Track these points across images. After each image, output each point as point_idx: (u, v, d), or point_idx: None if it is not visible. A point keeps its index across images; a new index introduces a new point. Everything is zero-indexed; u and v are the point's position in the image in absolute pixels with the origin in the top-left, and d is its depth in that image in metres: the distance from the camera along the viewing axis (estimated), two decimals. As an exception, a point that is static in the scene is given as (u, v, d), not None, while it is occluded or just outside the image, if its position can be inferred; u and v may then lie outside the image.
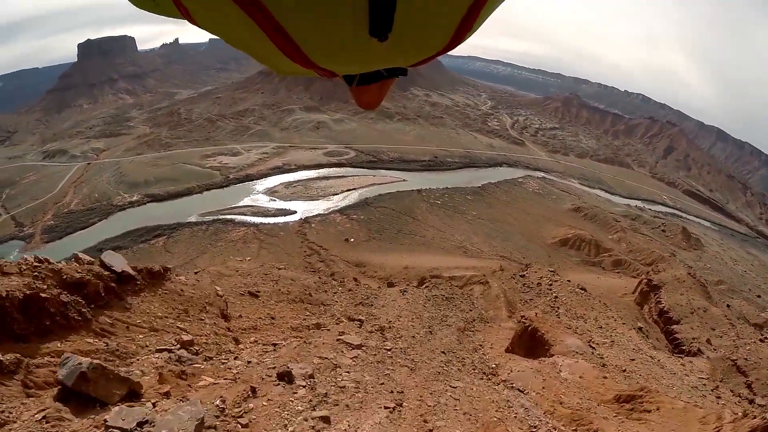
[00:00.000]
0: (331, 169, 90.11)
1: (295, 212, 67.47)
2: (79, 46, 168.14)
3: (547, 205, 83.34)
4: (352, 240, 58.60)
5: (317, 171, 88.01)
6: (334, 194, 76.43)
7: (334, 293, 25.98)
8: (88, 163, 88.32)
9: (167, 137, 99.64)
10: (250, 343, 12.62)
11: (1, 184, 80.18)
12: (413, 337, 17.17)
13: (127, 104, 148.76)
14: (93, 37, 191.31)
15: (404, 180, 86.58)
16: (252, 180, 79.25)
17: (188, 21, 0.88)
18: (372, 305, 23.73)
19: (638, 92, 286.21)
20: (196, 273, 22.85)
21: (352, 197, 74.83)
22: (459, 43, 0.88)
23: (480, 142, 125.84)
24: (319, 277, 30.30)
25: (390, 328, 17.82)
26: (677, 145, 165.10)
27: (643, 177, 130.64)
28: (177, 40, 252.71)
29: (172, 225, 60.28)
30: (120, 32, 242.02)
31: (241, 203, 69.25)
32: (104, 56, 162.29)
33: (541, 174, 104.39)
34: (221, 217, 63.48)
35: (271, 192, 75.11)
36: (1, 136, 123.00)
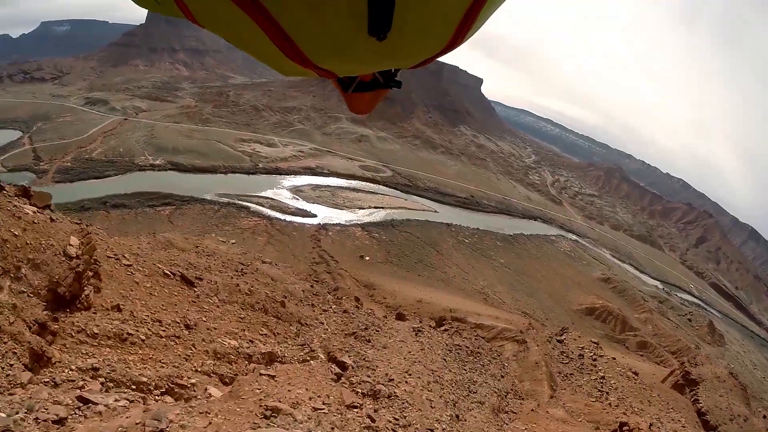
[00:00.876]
0: (364, 182, 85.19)
1: (315, 216, 62.19)
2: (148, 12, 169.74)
3: (577, 269, 77.05)
4: (368, 258, 52.42)
5: (349, 181, 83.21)
6: (360, 208, 71.05)
7: (324, 311, 19.57)
8: (125, 119, 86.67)
9: (209, 113, 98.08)
10: (63, 376, 6.42)
11: (36, 118, 79.25)
12: (428, 420, 10.56)
13: (182, 76, 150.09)
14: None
15: (436, 211, 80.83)
16: (280, 174, 74.98)
17: (190, 20, 0.87)
18: (369, 341, 17.24)
19: (680, 177, 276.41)
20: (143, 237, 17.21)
21: (378, 215, 69.31)
22: (458, 44, 0.86)
23: (518, 192, 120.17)
24: (312, 286, 24.06)
25: (391, 392, 11.31)
26: (710, 236, 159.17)
27: (672, 261, 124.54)
28: None
29: (185, 197, 56.11)
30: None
31: (262, 193, 64.59)
32: (171, 25, 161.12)
33: (574, 237, 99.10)
34: (237, 201, 58.87)
35: (296, 190, 70.32)
36: (54, 74, 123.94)
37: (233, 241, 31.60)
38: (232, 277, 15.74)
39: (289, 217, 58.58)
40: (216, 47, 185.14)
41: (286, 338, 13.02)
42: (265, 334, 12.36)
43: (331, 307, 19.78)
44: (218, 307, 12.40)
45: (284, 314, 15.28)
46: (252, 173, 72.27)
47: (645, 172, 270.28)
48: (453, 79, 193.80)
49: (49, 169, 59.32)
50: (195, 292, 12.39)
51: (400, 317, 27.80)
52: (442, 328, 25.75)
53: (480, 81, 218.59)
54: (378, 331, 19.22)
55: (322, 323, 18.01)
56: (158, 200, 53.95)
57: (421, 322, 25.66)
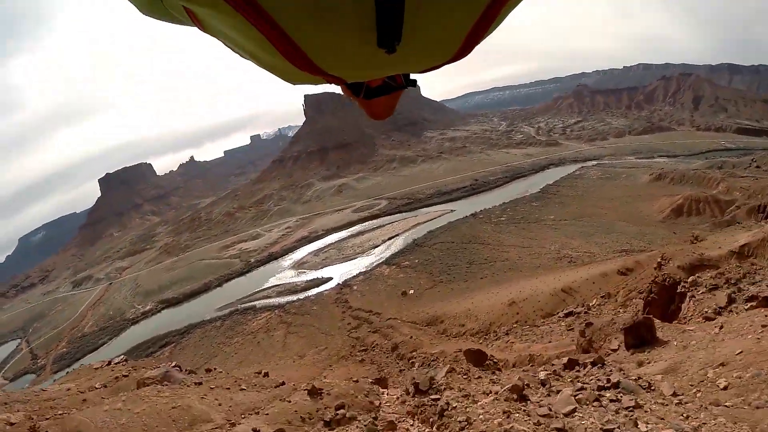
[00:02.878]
0: (365, 223, 75.16)
1: (330, 279, 51.01)
2: (100, 180, 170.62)
3: (624, 185, 66.65)
4: (412, 291, 40.55)
5: (349, 230, 72.99)
6: (374, 247, 60.33)
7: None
8: (110, 283, 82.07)
9: (186, 240, 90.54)
10: None
11: (31, 320, 77.10)
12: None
13: (154, 223, 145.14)
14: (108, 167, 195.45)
15: (452, 210, 70.39)
16: (276, 258, 64.94)
17: (198, 28, 0.85)
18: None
19: (636, 63, 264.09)
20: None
21: (398, 244, 58.63)
22: (466, 54, 0.83)
23: (514, 155, 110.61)
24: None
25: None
26: (701, 92, 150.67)
27: (689, 133, 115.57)
28: (192, 157, 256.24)
29: (182, 329, 47.31)
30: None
31: (264, 286, 54.09)
32: (126, 185, 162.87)
33: (594, 162, 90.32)
34: (240, 306, 48.43)
35: (298, 265, 59.66)
36: (41, 276, 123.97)
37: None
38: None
39: (302, 294, 47.45)
40: (174, 185, 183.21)
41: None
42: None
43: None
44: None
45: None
46: (246, 272, 62.56)
47: (605, 78, 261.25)
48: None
49: (46, 362, 54.44)
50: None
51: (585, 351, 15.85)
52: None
53: (417, 87, 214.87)
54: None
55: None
56: (155, 345, 45.90)
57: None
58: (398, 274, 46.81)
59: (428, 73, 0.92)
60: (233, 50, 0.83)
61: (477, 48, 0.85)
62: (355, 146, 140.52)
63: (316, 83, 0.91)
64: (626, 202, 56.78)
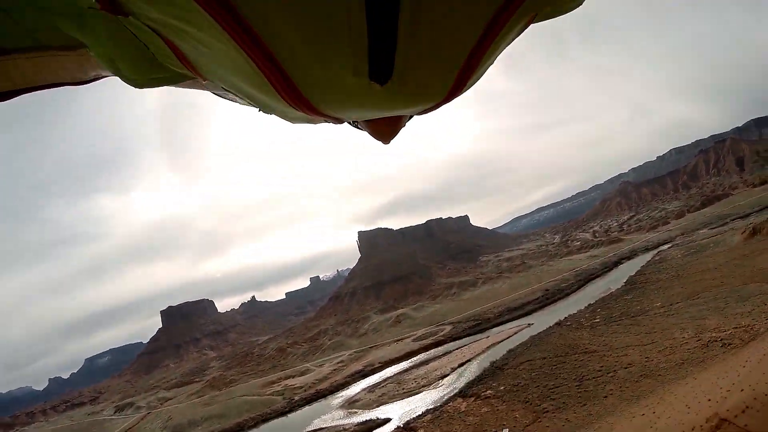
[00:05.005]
0: (429, 351, 63.65)
1: (387, 420, 37.95)
2: (162, 312, 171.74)
3: (719, 252, 55.30)
4: (506, 430, 26.89)
5: (410, 360, 61.06)
6: (442, 377, 47.91)
7: None
8: (148, 413, 76.49)
9: (233, 375, 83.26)
10: None
11: None
12: None
13: (210, 357, 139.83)
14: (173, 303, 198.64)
15: (529, 324, 57.88)
16: (324, 396, 53.19)
17: (194, 74, 0.81)
18: None
19: (668, 150, 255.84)
20: None
21: (471, 370, 46.29)
22: (461, 91, 0.79)
23: (579, 260, 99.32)
24: None
25: None
26: (741, 153, 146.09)
27: (747, 193, 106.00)
28: (254, 297, 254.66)
29: None
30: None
31: (306, 430, 40.82)
32: (186, 319, 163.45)
33: (667, 245, 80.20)
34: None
35: (349, 403, 47.10)
36: (92, 396, 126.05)
37: None
38: None
39: (353, 442, 34.08)
40: (233, 322, 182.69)
41: None
42: None
43: None
44: None
45: None
46: (288, 412, 51.69)
47: (643, 172, 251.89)
48: (445, 230, 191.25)
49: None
50: None
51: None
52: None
53: (466, 218, 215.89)
54: None
55: None
56: None
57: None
58: (481, 408, 33.35)
59: (427, 114, 0.87)
60: (233, 92, 0.79)
61: (473, 88, 0.81)
62: (410, 278, 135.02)
63: (314, 123, 0.89)
64: (736, 265, 45.39)
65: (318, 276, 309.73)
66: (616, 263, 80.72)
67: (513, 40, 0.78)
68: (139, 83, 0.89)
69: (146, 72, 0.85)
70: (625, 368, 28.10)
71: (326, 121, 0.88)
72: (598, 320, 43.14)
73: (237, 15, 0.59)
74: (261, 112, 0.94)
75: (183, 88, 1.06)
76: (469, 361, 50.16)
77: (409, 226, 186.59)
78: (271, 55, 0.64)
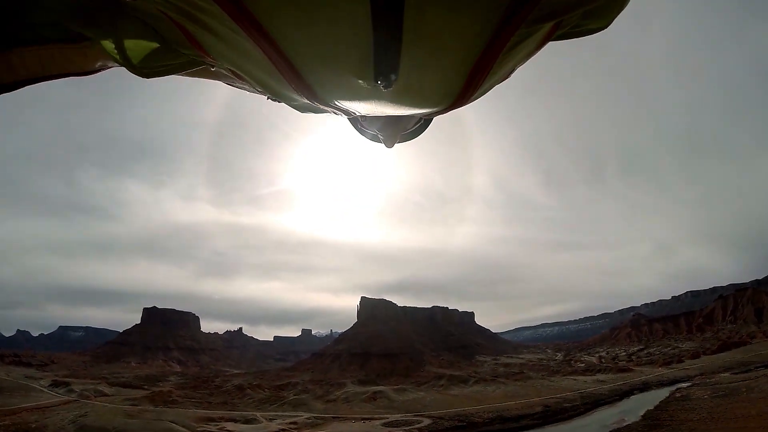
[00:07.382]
0: None
1: None
2: (144, 309, 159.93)
3: (757, 398, 50.09)
4: None
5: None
6: None
7: None
8: (75, 400, 71.51)
9: (178, 396, 76.49)
10: None
11: None
12: None
13: (172, 371, 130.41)
14: (160, 306, 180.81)
15: None
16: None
17: (204, 56, 0.81)
18: None
19: (684, 291, 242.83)
20: None
21: None
22: (471, 96, 0.77)
23: (584, 382, 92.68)
24: None
25: None
26: (761, 304, 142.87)
27: (766, 344, 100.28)
28: (241, 329, 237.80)
29: None
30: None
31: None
32: (166, 325, 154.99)
33: (686, 384, 74.08)
34: None
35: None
36: (41, 363, 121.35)
37: None
38: None
39: None
40: (211, 345, 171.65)
41: None
42: None
43: None
44: None
45: None
46: None
47: (656, 309, 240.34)
48: (448, 320, 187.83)
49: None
50: None
51: None
52: None
53: (472, 314, 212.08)
54: None
55: None
56: None
57: None
58: None
59: (439, 115, 0.86)
60: (241, 84, 0.79)
61: (483, 97, 0.79)
62: (400, 357, 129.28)
63: (320, 112, 0.89)
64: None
65: (310, 330, 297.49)
66: (627, 393, 76.61)
67: (529, 53, 0.76)
68: (146, 72, 0.88)
69: (154, 59, 0.85)
70: None
71: (333, 113, 0.88)
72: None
73: (245, 10, 0.61)
74: (270, 99, 0.94)
75: (192, 77, 1.06)
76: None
77: (413, 306, 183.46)
78: (279, 49, 0.65)
